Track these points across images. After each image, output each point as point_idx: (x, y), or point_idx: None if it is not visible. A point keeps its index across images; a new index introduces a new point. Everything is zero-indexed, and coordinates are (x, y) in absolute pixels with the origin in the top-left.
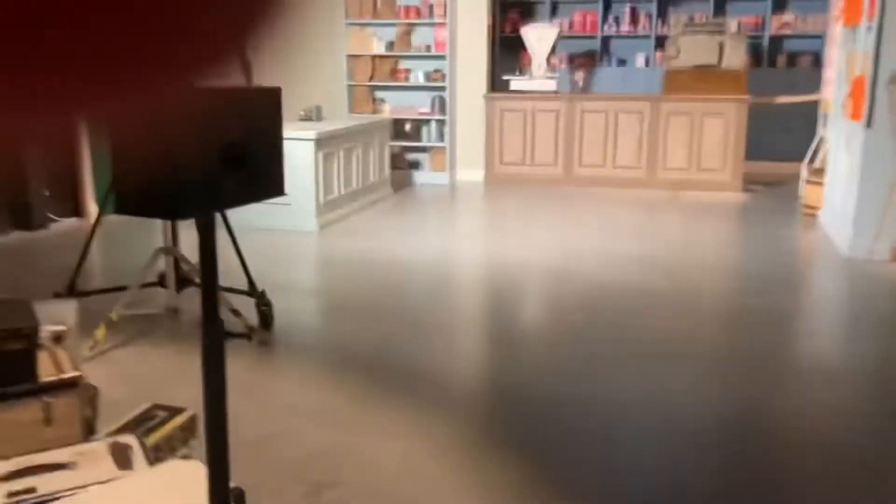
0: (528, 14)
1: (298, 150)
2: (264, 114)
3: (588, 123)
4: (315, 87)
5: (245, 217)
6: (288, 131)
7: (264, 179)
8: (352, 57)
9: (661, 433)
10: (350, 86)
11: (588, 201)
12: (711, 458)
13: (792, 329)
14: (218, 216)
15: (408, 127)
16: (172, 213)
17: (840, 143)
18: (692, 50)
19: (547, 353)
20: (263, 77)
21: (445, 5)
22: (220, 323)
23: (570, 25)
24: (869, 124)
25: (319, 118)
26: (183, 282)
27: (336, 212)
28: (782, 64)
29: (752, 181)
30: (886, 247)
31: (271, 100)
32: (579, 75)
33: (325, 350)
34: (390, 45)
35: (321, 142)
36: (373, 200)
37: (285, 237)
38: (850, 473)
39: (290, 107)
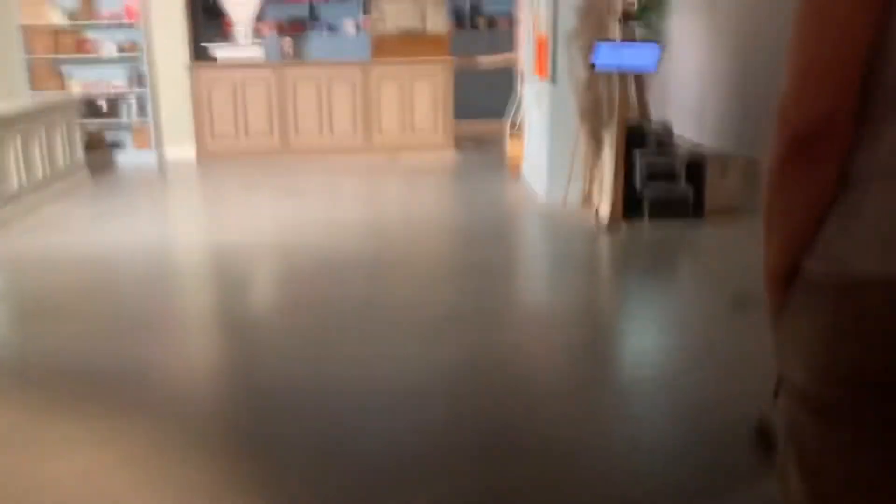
0: None
1: None
2: None
3: (301, 92)
4: None
5: None
6: None
7: None
8: (27, 28)
9: (395, 395)
10: (28, 60)
11: (307, 171)
12: (453, 408)
13: (503, 278)
14: None
15: (103, 104)
16: None
17: (532, 100)
18: (396, 15)
19: (273, 335)
20: None
21: None
22: None
23: None
24: (553, 81)
25: None
26: None
27: (18, 205)
28: (483, 26)
29: (464, 139)
30: (577, 193)
31: None
32: (288, 42)
33: None
34: (73, 14)
35: None
36: (66, 188)
37: None
38: (563, 399)
39: None
